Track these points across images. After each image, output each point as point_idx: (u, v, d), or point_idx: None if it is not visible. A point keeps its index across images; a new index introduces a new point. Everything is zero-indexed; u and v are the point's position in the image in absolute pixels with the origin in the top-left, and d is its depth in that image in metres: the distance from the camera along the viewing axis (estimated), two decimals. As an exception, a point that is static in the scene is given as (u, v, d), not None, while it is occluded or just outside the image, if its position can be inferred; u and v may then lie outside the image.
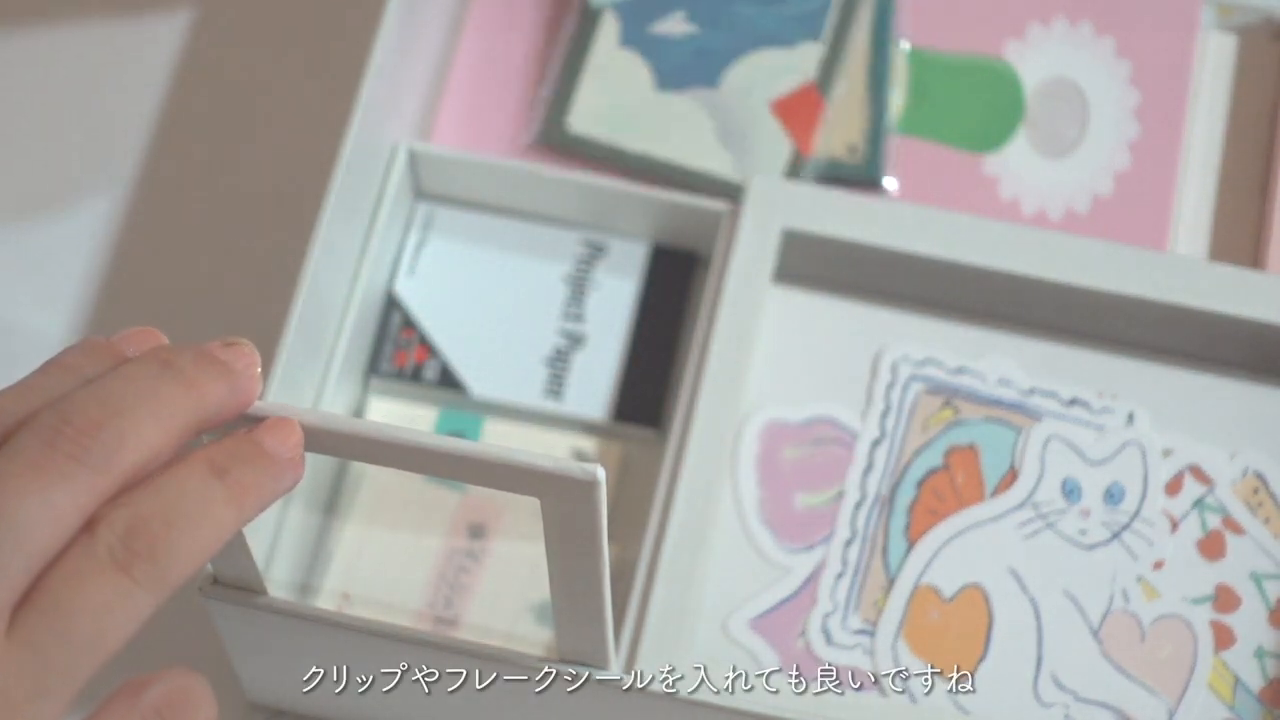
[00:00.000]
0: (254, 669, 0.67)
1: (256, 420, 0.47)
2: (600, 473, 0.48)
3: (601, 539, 0.50)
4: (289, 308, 0.66)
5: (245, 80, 0.82)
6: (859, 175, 0.75)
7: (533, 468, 0.48)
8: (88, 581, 0.42)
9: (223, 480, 0.45)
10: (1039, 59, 0.77)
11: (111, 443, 0.43)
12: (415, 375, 0.73)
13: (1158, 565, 0.68)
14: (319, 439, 0.48)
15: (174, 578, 0.43)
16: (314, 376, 0.69)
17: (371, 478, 0.71)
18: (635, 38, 0.76)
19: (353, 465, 0.71)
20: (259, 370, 0.47)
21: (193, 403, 0.45)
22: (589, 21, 0.76)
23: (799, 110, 0.75)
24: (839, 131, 0.75)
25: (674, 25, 0.77)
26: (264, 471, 0.46)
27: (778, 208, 0.70)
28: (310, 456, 0.48)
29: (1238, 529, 0.68)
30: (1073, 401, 0.70)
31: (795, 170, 0.74)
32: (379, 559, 0.70)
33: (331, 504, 0.72)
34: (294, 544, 0.70)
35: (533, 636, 0.69)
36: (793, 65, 0.76)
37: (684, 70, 0.75)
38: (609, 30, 0.76)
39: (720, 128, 0.75)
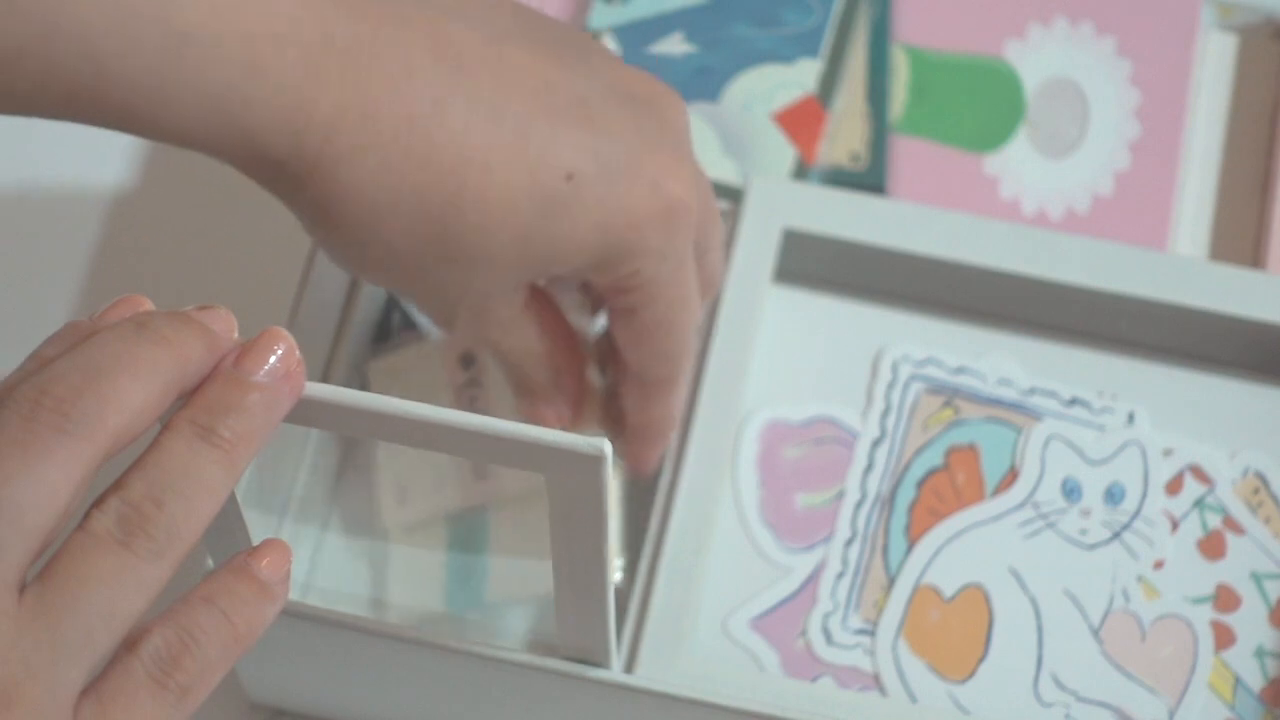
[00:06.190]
0: (255, 668, 0.67)
1: None
2: (606, 447, 0.48)
3: (605, 517, 0.50)
4: (290, 306, 0.66)
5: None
6: (862, 182, 0.75)
7: (538, 442, 0.48)
8: (91, 554, 0.42)
9: (208, 441, 0.44)
10: (1039, 59, 0.77)
11: (92, 408, 0.42)
12: (416, 375, 0.73)
13: (1158, 565, 0.68)
14: (319, 413, 0.48)
15: (176, 551, 0.43)
16: (314, 374, 0.69)
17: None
18: (634, 58, 0.76)
19: None
20: (236, 334, 0.46)
21: (172, 361, 0.44)
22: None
23: (801, 120, 0.75)
24: (841, 140, 0.75)
25: (673, 45, 0.77)
26: (250, 414, 0.45)
27: (778, 207, 0.70)
28: None
29: (1238, 529, 0.68)
30: (1073, 401, 0.70)
31: (799, 177, 0.74)
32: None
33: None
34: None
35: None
36: (792, 80, 0.76)
37: (684, 86, 0.75)
38: (607, 52, 0.76)
39: (723, 138, 0.75)
